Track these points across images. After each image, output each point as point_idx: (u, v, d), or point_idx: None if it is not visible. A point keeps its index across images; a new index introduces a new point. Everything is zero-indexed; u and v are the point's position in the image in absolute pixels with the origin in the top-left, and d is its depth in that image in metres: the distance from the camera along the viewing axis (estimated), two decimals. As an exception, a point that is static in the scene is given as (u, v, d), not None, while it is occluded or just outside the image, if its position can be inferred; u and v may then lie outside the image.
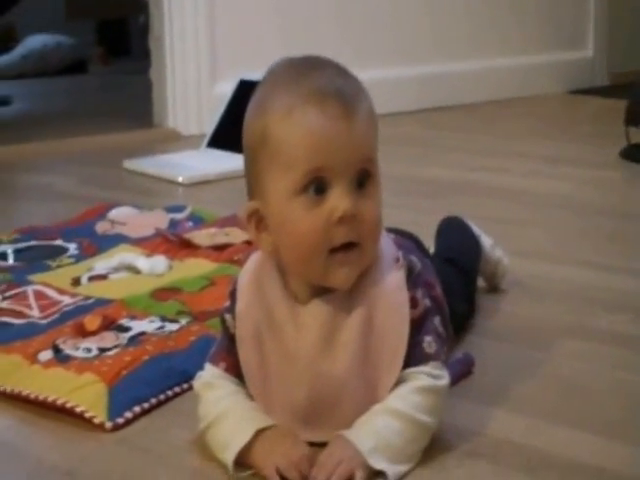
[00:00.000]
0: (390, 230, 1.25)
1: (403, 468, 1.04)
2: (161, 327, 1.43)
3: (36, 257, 1.85)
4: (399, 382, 1.07)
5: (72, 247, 1.90)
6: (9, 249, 1.90)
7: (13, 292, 1.61)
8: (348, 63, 1.08)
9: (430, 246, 1.52)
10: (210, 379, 1.13)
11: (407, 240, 1.28)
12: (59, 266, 1.79)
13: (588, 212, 2.17)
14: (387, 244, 1.11)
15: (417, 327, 1.08)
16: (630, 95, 2.86)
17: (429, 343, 1.08)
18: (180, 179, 2.54)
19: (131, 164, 2.74)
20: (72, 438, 1.16)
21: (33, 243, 1.93)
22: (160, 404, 1.23)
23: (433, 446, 1.08)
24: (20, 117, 3.95)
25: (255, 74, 2.73)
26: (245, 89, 2.80)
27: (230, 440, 1.06)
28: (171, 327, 1.42)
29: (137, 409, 1.20)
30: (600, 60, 4.30)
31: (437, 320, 1.15)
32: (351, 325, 1.06)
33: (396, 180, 2.48)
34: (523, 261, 1.75)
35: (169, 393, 1.25)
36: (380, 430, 1.04)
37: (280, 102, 1.02)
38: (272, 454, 1.03)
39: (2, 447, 1.16)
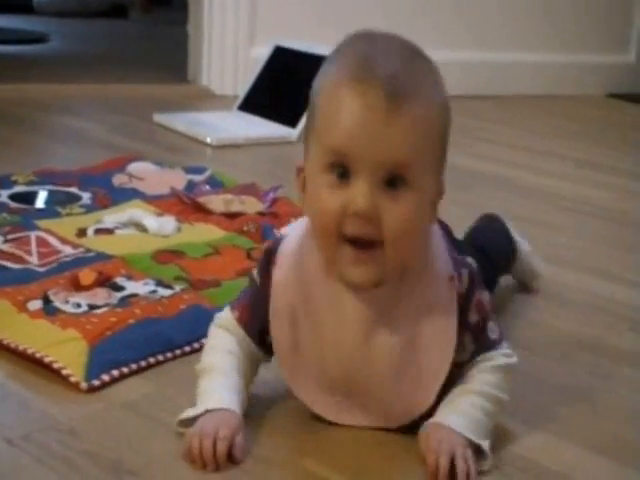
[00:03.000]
0: None
1: (488, 442, 1.04)
2: (153, 291, 1.40)
3: (48, 201, 1.84)
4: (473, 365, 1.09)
5: (86, 196, 1.88)
6: (40, 190, 1.89)
7: (16, 235, 1.59)
8: None
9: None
10: (222, 322, 1.14)
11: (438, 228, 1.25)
12: (69, 214, 1.77)
13: (621, 223, 2.12)
14: (444, 260, 1.06)
15: (483, 324, 1.08)
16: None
17: (492, 329, 1.09)
18: (208, 140, 2.51)
19: (161, 118, 2.72)
20: (77, 396, 1.14)
21: (49, 187, 1.91)
22: (140, 370, 1.21)
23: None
24: (55, 56, 3.94)
25: (292, 42, 2.76)
26: (280, 55, 2.77)
27: (196, 401, 1.07)
28: (163, 292, 1.40)
29: (115, 372, 1.18)
30: (642, 66, 4.24)
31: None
32: (393, 336, 1.04)
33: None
34: (549, 267, 1.71)
35: (151, 360, 1.22)
36: (465, 408, 1.05)
37: (336, 73, 0.99)
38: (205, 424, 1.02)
39: (6, 396, 1.14)
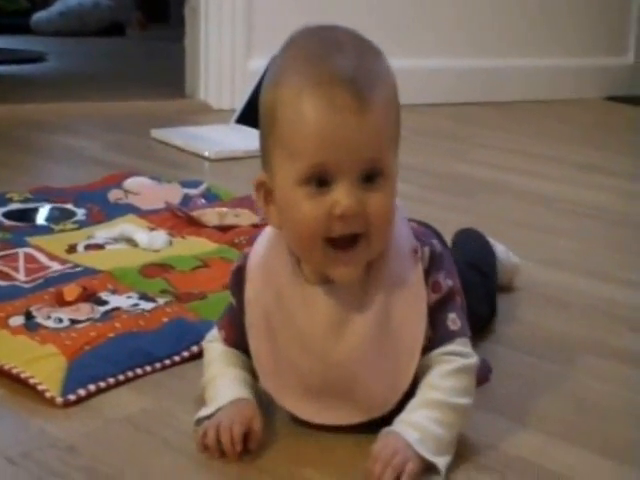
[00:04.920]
0: (412, 220, 1.22)
1: (449, 457, 1.02)
2: (135, 305, 1.40)
3: (49, 218, 1.84)
4: (428, 366, 1.05)
5: (80, 212, 1.88)
6: (41, 207, 1.89)
7: (5, 253, 1.60)
8: (386, 50, 1.03)
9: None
10: (213, 338, 1.17)
11: (427, 230, 1.25)
12: (62, 230, 1.77)
13: (619, 225, 2.11)
14: (406, 234, 1.07)
15: (440, 307, 1.06)
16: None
17: (453, 320, 1.07)
18: (206, 154, 2.51)
19: (159, 134, 2.72)
20: (77, 413, 1.13)
21: (44, 204, 1.91)
22: (118, 384, 1.20)
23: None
24: (53, 75, 3.95)
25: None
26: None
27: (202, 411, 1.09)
28: (145, 305, 1.39)
29: (92, 387, 1.17)
30: (640, 68, 4.23)
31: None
32: (366, 316, 1.04)
33: (425, 174, 2.45)
34: (548, 270, 1.71)
35: (129, 374, 1.22)
36: (421, 422, 1.01)
37: (292, 81, 0.98)
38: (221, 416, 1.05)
39: (3, 416, 1.13)
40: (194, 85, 3.28)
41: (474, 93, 3.67)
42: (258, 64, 2.86)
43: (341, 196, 0.97)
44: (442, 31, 3.61)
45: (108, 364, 1.21)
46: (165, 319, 1.34)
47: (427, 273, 1.06)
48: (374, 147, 0.98)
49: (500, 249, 1.55)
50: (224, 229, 1.78)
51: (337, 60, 0.97)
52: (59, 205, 1.92)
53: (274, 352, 1.08)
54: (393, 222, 1.02)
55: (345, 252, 1.00)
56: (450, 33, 3.63)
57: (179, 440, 1.08)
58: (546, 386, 1.26)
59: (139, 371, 1.23)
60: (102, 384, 1.18)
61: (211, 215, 1.84)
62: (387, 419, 1.04)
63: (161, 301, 1.41)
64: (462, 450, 1.07)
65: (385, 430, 1.02)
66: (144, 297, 1.42)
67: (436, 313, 1.06)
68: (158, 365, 1.24)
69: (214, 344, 1.16)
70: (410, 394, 1.05)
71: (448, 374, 1.04)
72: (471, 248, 1.50)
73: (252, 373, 1.13)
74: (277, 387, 1.09)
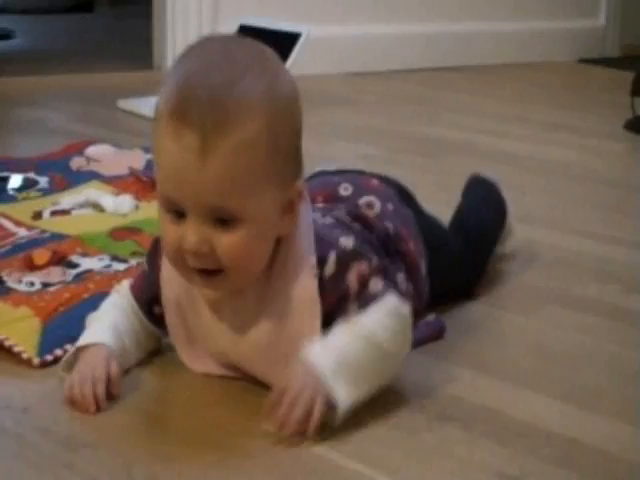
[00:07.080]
0: (375, 176, 1.24)
1: (359, 390, 1.00)
2: (108, 266, 1.40)
3: (22, 187, 1.82)
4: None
5: (43, 181, 1.86)
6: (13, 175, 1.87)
7: (-30, 221, 1.57)
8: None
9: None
10: (118, 287, 1.18)
11: (388, 188, 1.25)
12: (25, 198, 1.76)
13: (588, 181, 2.13)
14: (307, 248, 1.05)
15: (363, 289, 1.05)
16: (638, 66, 2.80)
17: (374, 283, 1.05)
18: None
19: (125, 104, 2.70)
20: (31, 375, 1.12)
21: (4, 174, 1.88)
22: None
23: (403, 406, 1.06)
24: (21, 52, 3.91)
25: (256, 19, 2.73)
26: (245, 34, 2.73)
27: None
28: (118, 266, 1.40)
29: (68, 347, 1.15)
30: (612, 30, 4.22)
31: (400, 277, 1.16)
32: (260, 328, 1.05)
33: (395, 137, 2.46)
34: (517, 225, 1.71)
35: None
36: (341, 349, 1.01)
37: (162, 99, 0.98)
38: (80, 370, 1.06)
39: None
40: (161, 56, 3.26)
41: (444, 58, 3.66)
42: (226, 32, 2.84)
43: (187, 232, 0.98)
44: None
45: (83, 324, 1.18)
46: (138, 279, 1.34)
47: (337, 277, 1.04)
48: (217, 193, 0.96)
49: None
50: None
51: (197, 90, 0.95)
52: (20, 174, 1.88)
53: (186, 330, 1.12)
54: (252, 261, 1.01)
55: (205, 279, 1.01)
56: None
57: (133, 400, 1.07)
58: (511, 336, 1.28)
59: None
60: (78, 343, 1.17)
61: (176, 179, 1.82)
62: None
63: (133, 262, 1.41)
64: (424, 400, 1.08)
65: (300, 356, 1.01)
66: (116, 259, 1.43)
67: (359, 294, 1.05)
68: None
69: (114, 294, 1.17)
70: None
71: (380, 309, 1.04)
72: (481, 212, 1.49)
73: (137, 325, 1.14)
74: (190, 357, 1.13)
